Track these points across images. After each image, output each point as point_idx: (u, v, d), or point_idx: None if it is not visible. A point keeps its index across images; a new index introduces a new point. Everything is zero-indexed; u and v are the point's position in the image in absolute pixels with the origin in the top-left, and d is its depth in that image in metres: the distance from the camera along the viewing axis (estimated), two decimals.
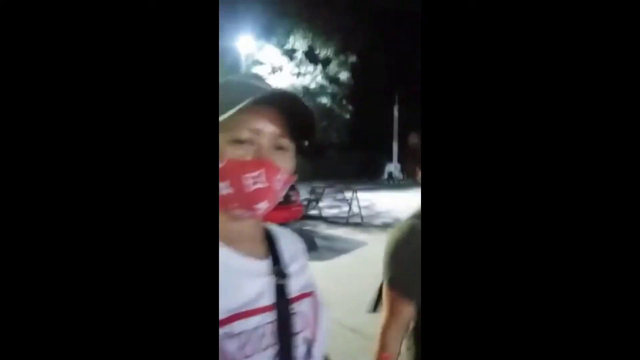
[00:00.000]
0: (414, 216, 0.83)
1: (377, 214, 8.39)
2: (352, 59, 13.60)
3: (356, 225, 7.31)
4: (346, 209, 8.15)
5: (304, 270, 0.62)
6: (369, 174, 20.52)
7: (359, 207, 8.07)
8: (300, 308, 0.55)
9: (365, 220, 7.66)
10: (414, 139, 0.83)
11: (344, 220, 7.69)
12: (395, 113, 20.04)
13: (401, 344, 0.82)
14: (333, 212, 8.43)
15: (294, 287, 0.56)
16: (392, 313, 0.80)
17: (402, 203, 9.05)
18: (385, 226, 6.99)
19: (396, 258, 0.80)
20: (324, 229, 6.94)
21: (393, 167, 20.06)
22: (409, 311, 0.80)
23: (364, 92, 15.61)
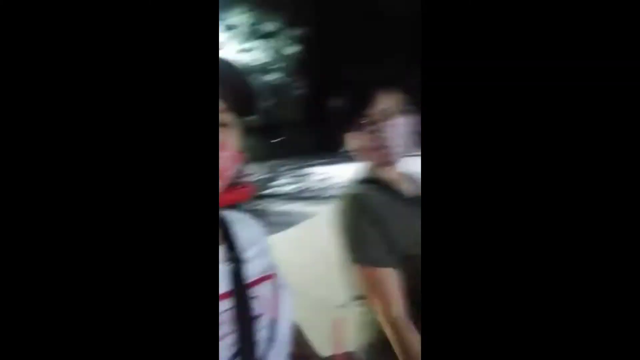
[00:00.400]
0: (354, 185, 0.78)
1: (331, 186, 8.47)
2: (299, 32, 13.34)
3: (308, 199, 7.39)
4: (301, 184, 8.20)
5: (263, 253, 0.60)
6: (330, 147, 20.57)
7: (311, 182, 8.15)
8: (260, 291, 0.53)
9: (317, 193, 7.75)
10: (335, 103, 0.79)
11: (297, 196, 7.74)
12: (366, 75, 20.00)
13: (405, 309, 0.70)
14: (288, 188, 8.42)
15: (252, 271, 0.54)
16: (380, 291, 0.69)
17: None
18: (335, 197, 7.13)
19: (357, 234, 0.72)
20: (276, 206, 6.97)
21: None
22: (394, 277, 0.70)
23: (315, 65, 15.43)
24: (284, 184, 8.60)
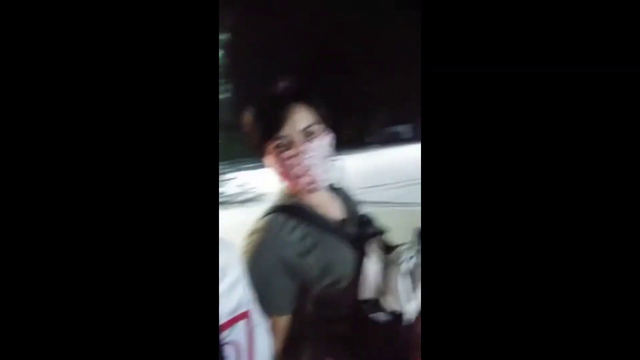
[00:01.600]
0: (267, 215, 0.68)
1: (246, 191, 8.62)
2: (224, 36, 13.30)
3: (223, 203, 7.55)
4: (222, 189, 8.32)
5: (236, 285, 0.50)
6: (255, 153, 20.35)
7: (230, 187, 8.31)
8: (232, 336, 0.47)
9: (232, 198, 7.94)
10: (248, 115, 0.69)
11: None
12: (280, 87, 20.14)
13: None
14: None
15: (223, 309, 0.46)
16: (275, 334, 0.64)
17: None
18: (245, 201, 7.34)
19: (255, 268, 0.62)
20: None
21: None
22: (279, 326, 0.64)
23: (241, 69, 15.42)
24: None
